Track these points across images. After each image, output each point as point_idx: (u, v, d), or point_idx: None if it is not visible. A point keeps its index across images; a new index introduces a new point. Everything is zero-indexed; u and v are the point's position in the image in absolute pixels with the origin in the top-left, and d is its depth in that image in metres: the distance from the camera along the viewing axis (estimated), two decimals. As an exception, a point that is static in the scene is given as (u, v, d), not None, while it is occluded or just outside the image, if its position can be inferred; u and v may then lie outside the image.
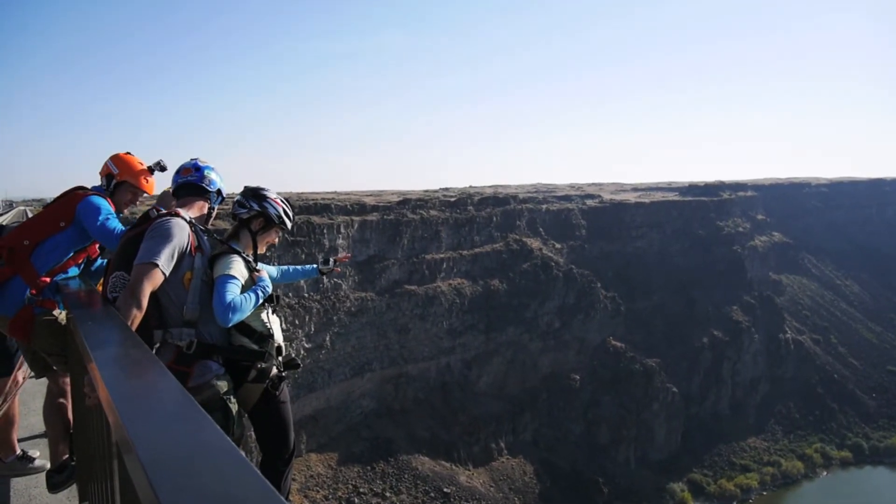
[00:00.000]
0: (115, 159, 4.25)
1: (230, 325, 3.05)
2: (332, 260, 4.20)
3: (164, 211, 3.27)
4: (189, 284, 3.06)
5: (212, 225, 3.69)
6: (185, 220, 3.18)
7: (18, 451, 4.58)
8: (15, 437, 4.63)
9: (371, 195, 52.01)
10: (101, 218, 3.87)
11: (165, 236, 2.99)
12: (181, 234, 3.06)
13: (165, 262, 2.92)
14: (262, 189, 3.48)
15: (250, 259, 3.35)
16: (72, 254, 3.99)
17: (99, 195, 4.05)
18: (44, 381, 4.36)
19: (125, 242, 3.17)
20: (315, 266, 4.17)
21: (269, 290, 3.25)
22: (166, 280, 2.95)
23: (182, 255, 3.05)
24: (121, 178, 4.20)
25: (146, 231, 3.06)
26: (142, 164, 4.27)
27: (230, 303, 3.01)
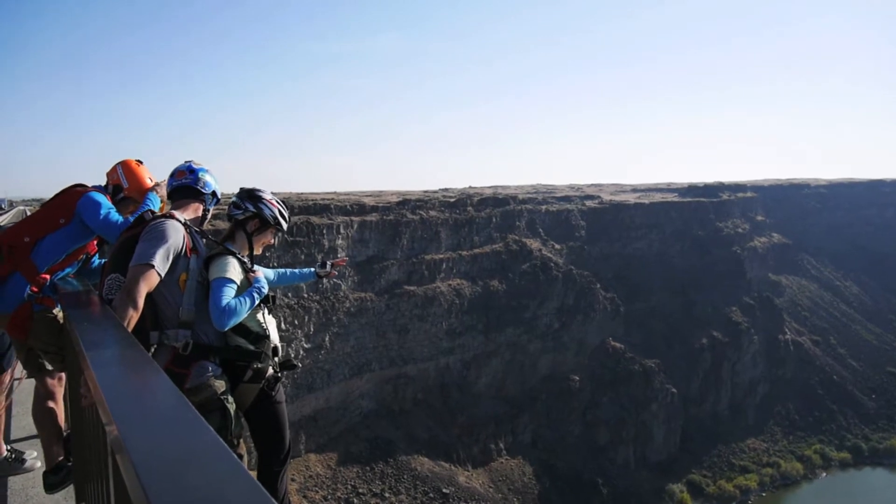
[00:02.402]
0: (127, 171, 4.19)
1: (226, 328, 3.07)
2: (328, 263, 4.20)
3: (158, 213, 3.29)
4: (185, 286, 3.10)
5: (211, 226, 3.70)
6: (180, 221, 3.20)
7: (5, 453, 4.56)
8: (0, 437, 4.62)
9: (370, 195, 51.96)
10: (102, 212, 3.89)
11: (160, 238, 3.02)
12: (176, 235, 3.09)
13: (161, 263, 2.95)
14: (258, 190, 3.50)
15: (246, 260, 3.36)
16: (71, 251, 4.01)
17: (98, 191, 4.07)
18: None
19: (121, 245, 3.19)
20: (312, 270, 4.18)
21: (265, 290, 3.27)
22: (162, 281, 2.98)
23: (177, 257, 3.08)
24: (129, 193, 4.18)
25: (141, 233, 3.08)
26: (152, 181, 4.23)
27: (226, 307, 3.04)
